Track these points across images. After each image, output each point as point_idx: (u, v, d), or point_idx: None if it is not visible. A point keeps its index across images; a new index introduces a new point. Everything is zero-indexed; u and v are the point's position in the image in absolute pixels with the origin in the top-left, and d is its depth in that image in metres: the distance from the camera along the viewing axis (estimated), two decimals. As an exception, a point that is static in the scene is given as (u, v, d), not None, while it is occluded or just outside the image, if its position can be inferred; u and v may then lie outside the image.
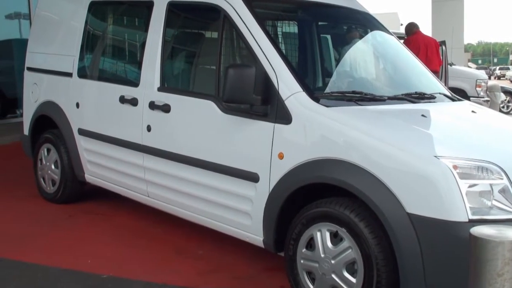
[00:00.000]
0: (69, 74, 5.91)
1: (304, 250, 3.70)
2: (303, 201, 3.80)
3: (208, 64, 4.89)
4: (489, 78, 23.52)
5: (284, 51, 4.66)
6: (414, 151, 3.36)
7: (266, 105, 3.94)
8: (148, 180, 4.92)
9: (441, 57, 10.03)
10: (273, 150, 3.90)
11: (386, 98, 4.23)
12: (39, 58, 6.52)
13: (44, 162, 6.26)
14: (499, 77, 56.31)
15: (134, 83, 5.07)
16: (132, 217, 5.70)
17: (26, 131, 6.62)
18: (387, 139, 3.48)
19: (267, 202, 3.93)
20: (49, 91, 6.27)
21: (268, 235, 3.97)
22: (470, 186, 3.18)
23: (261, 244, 4.06)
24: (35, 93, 6.46)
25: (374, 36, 5.30)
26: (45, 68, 6.35)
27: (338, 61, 5.38)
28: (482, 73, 14.65)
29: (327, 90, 4.49)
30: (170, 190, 4.73)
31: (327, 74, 5.27)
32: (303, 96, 3.88)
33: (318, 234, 3.60)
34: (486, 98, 13.19)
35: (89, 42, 5.92)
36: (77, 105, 5.76)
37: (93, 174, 5.68)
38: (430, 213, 3.16)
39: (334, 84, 4.72)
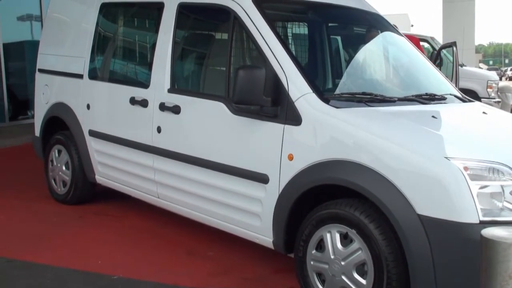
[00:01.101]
0: (79, 76, 5.93)
1: (314, 251, 3.69)
2: (314, 202, 3.79)
3: (218, 66, 4.89)
4: (500, 79, 23.29)
5: (294, 52, 4.66)
6: (424, 152, 3.34)
7: (276, 107, 3.94)
8: (158, 181, 4.93)
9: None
10: (283, 152, 3.89)
11: (396, 99, 4.22)
12: (50, 60, 6.55)
13: (55, 163, 6.29)
14: (510, 78, 55.98)
15: (144, 84, 5.09)
16: (142, 218, 5.72)
17: (37, 132, 6.66)
18: (397, 140, 3.47)
19: (276, 203, 3.92)
20: (60, 93, 6.30)
21: (277, 237, 3.96)
22: (481, 188, 3.16)
23: (271, 246, 4.05)
24: (46, 94, 6.49)
25: (384, 37, 5.28)
26: (56, 70, 6.39)
27: (348, 62, 5.38)
28: (493, 74, 14.52)
29: (337, 91, 4.48)
30: (180, 191, 4.74)
31: (337, 75, 5.26)
32: (313, 97, 3.87)
33: (328, 235, 3.60)
34: (497, 99, 13.05)
35: (100, 44, 5.95)
36: (88, 106, 5.79)
37: (104, 176, 5.70)
38: (440, 214, 3.14)
39: (344, 85, 4.71)
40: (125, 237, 5.18)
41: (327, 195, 3.75)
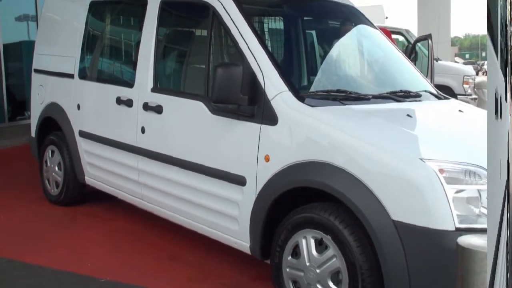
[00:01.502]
0: (71, 76, 5.52)
1: (289, 258, 3.30)
2: (292, 205, 3.39)
3: (198, 64, 4.44)
4: (477, 73, 21.86)
5: (270, 48, 4.25)
6: (399, 153, 2.96)
7: (253, 105, 3.54)
8: (142, 182, 4.53)
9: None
10: (259, 152, 3.50)
11: (370, 96, 3.79)
12: (45, 60, 6.12)
13: (49, 164, 5.88)
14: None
15: (129, 84, 4.68)
16: (129, 220, 5.26)
17: (33, 133, 6.24)
18: (372, 140, 3.08)
19: (253, 206, 3.52)
20: (53, 93, 5.88)
21: (254, 241, 3.55)
22: (457, 192, 2.78)
23: (248, 251, 3.63)
24: (41, 95, 6.08)
25: (359, 31, 4.81)
26: (49, 70, 5.96)
27: (322, 58, 4.88)
28: (469, 69, 13.37)
29: (312, 89, 4.03)
30: (162, 193, 4.33)
31: (313, 72, 4.76)
32: (289, 95, 3.48)
33: (303, 241, 3.20)
34: (474, 96, 11.97)
35: (89, 43, 5.52)
36: (78, 106, 5.38)
37: (93, 176, 5.28)
38: (415, 220, 2.77)
39: (319, 83, 4.22)
40: (112, 239, 4.76)
41: (305, 198, 3.35)
